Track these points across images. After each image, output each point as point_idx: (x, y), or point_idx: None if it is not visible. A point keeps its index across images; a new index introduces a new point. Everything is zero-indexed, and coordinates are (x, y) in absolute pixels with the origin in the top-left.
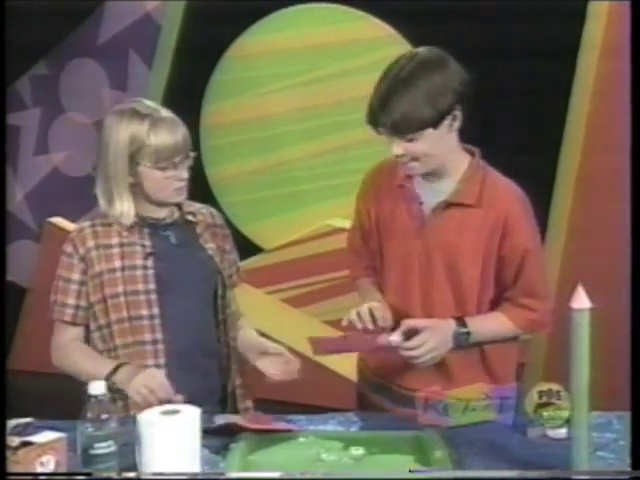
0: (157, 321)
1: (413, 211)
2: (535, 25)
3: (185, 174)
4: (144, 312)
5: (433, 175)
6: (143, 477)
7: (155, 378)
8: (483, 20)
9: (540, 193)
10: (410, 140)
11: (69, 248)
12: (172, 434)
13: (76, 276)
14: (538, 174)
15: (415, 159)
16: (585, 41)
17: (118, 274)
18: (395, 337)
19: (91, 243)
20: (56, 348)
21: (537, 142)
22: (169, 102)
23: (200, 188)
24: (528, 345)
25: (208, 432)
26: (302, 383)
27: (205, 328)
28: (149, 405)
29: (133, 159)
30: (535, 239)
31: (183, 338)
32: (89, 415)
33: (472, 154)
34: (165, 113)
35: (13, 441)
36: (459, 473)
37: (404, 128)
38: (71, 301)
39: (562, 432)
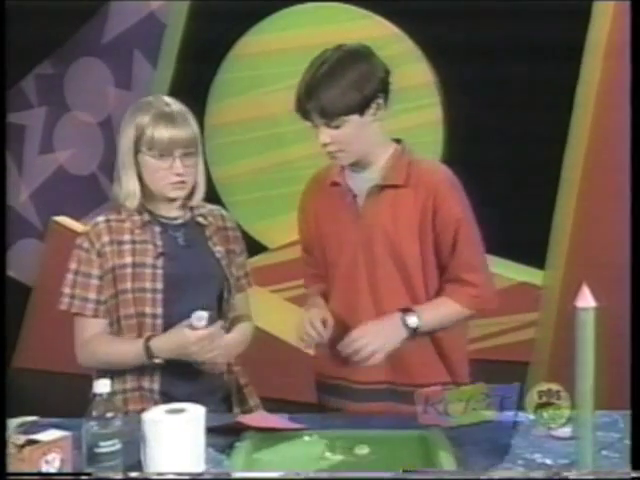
0: (159, 321)
1: (347, 205)
2: (540, 25)
3: (180, 169)
4: (148, 310)
5: (360, 166)
6: (145, 477)
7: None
8: (487, 20)
9: (545, 193)
10: (336, 127)
11: (86, 243)
12: (177, 433)
13: (96, 271)
14: (542, 173)
15: (341, 149)
16: (590, 41)
17: (128, 270)
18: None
19: (106, 238)
20: (81, 345)
21: (541, 141)
22: None
23: (204, 187)
24: (532, 344)
25: (213, 431)
26: (304, 381)
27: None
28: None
29: (136, 146)
30: (466, 212)
31: None
32: (94, 413)
33: (398, 142)
34: (175, 108)
35: (19, 439)
36: (463, 473)
37: (331, 112)
38: (92, 296)
39: (567, 431)
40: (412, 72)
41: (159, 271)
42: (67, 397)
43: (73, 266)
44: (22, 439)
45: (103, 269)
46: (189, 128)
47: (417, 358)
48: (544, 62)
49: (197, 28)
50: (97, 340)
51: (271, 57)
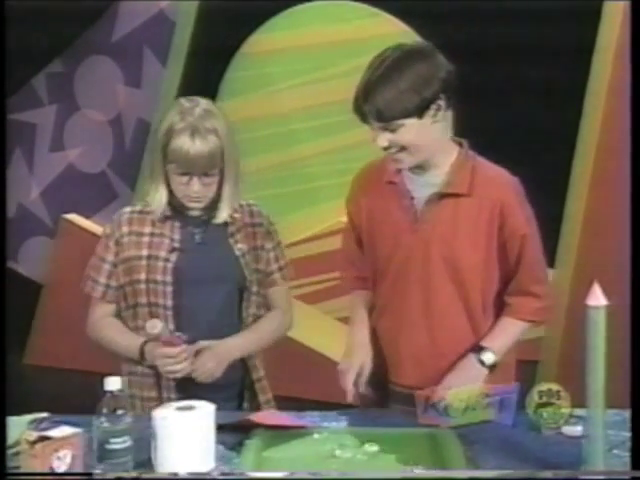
0: (170, 312)
1: (405, 206)
2: (549, 26)
3: (197, 187)
4: (160, 301)
5: (422, 168)
6: (142, 477)
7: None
8: (497, 20)
9: (555, 193)
10: (393, 130)
11: (108, 230)
12: (187, 430)
13: (110, 257)
14: (552, 172)
15: (402, 150)
16: (600, 41)
17: (143, 262)
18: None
19: (125, 229)
20: (89, 324)
21: (553, 141)
22: None
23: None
24: (542, 343)
25: (223, 428)
26: (313, 379)
27: (221, 325)
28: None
29: (164, 152)
30: (531, 223)
31: (195, 332)
32: (104, 410)
33: (460, 145)
34: (206, 122)
35: (31, 435)
36: (472, 472)
37: (387, 116)
38: (102, 280)
39: (577, 430)
40: None
41: (170, 265)
42: (78, 394)
43: (96, 249)
44: (34, 435)
45: (119, 257)
46: (213, 144)
47: None
48: (554, 63)
49: (206, 26)
50: (105, 324)
51: (280, 55)
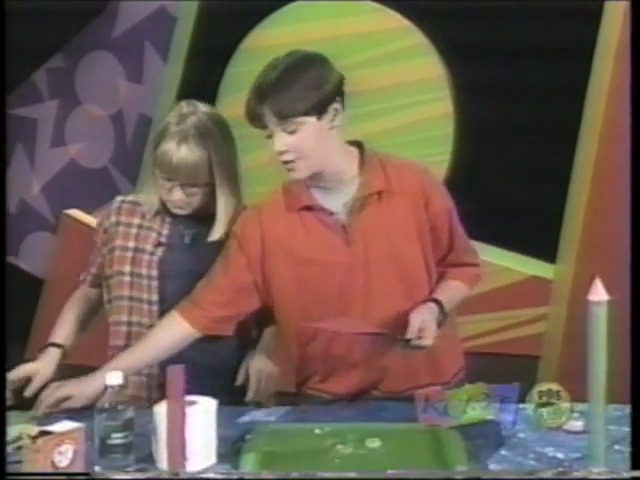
0: (155, 307)
1: (330, 225)
2: (551, 25)
3: (177, 196)
4: (144, 296)
5: (328, 180)
6: (138, 477)
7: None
8: (498, 18)
9: (556, 186)
10: (292, 132)
11: (98, 218)
12: (188, 425)
13: (98, 244)
14: (554, 167)
15: (298, 157)
16: (601, 41)
17: (129, 254)
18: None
19: (114, 219)
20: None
21: (552, 136)
22: (184, 95)
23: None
24: (543, 339)
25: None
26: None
27: None
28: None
29: (155, 153)
30: (449, 198)
31: None
32: (106, 405)
33: (359, 146)
34: (196, 132)
35: (32, 430)
36: (473, 473)
37: (288, 113)
38: (92, 270)
39: (579, 425)
40: (422, 65)
41: (155, 258)
42: None
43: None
44: (36, 430)
45: (106, 246)
46: (201, 154)
47: (405, 367)
48: (555, 62)
49: (208, 22)
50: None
51: (282, 50)
